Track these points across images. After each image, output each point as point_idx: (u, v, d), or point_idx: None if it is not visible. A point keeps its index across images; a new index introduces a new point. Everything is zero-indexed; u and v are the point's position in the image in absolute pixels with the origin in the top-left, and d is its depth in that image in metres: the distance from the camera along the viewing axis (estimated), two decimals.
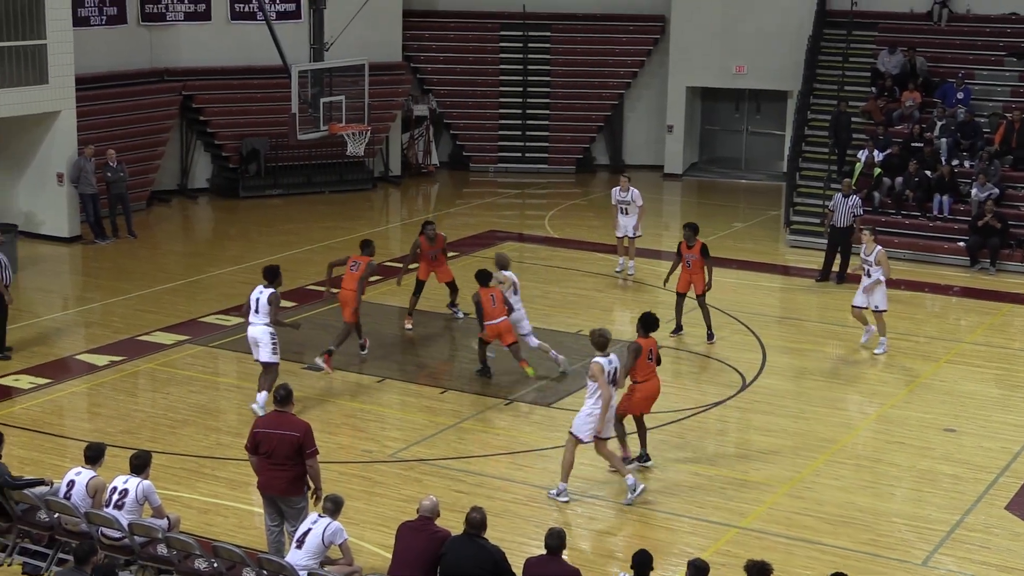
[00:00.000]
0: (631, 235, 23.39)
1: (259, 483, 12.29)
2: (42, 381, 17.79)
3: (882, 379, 18.70)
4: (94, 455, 12.23)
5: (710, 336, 19.94)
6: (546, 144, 34.47)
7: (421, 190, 32.57)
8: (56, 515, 12.25)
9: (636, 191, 23.35)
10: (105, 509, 11.85)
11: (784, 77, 32.17)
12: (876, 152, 26.85)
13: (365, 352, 18.90)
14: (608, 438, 14.44)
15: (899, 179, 26.30)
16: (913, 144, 27.05)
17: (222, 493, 14.31)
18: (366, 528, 13.29)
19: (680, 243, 20.05)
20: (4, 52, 23.91)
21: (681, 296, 20.14)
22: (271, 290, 16.58)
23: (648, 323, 15.07)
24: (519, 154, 34.46)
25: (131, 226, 26.08)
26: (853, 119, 28.47)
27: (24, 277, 23.05)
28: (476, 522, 10.91)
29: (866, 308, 19.60)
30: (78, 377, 18.12)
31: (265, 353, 16.43)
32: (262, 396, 16.36)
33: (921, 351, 20.01)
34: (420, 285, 20.46)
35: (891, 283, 23.49)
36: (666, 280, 20.45)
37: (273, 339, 16.43)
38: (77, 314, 21.51)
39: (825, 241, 23.99)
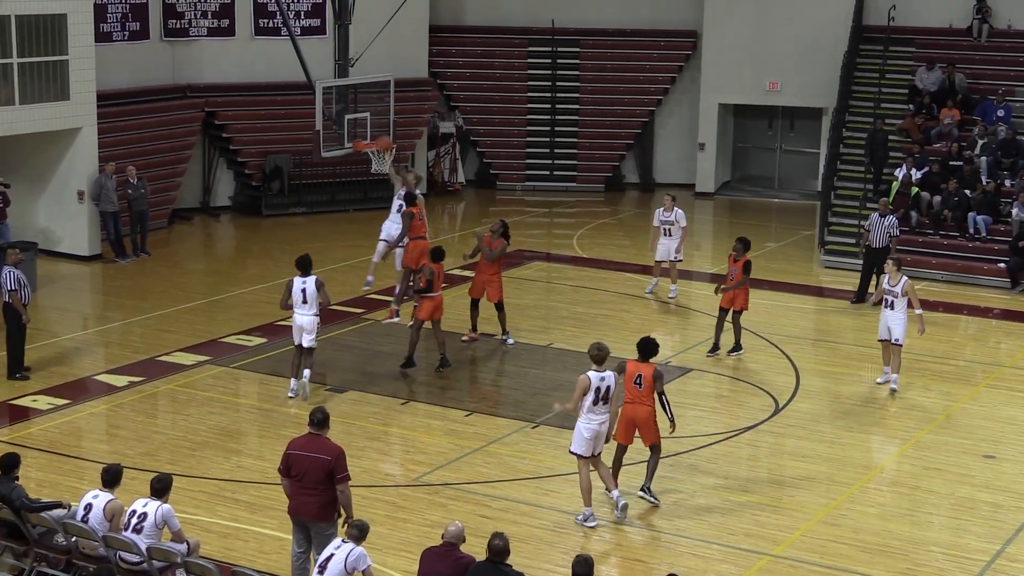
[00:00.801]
0: (672, 259, 23.18)
1: (289, 507, 12.29)
2: (60, 402, 17.86)
3: (919, 404, 18.57)
4: (111, 479, 12.24)
5: (735, 348, 19.99)
6: (575, 162, 34.49)
7: (447, 209, 32.62)
8: (73, 539, 12.26)
9: (680, 211, 23.17)
10: (124, 533, 11.86)
11: (819, 94, 32.11)
12: (913, 170, 26.74)
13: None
14: (586, 456, 14.28)
15: (937, 198, 26.18)
16: (952, 162, 26.94)
17: (243, 517, 14.32)
18: (389, 554, 13.27)
19: (730, 255, 20.09)
20: (25, 68, 24.10)
21: (723, 312, 20.10)
22: (314, 277, 17.95)
23: (644, 348, 14.65)
24: (547, 172, 34.50)
25: (145, 243, 26.19)
26: (890, 137, 28.38)
27: (43, 296, 23.18)
28: (499, 549, 10.87)
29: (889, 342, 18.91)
30: (97, 398, 18.18)
31: (308, 339, 17.82)
32: (300, 378, 17.90)
33: (959, 375, 19.89)
34: (474, 304, 20.64)
35: (928, 305, 23.43)
36: (717, 288, 20.54)
37: (318, 327, 17.98)
38: (96, 334, 21.61)
39: (860, 262, 23.88)
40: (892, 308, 18.79)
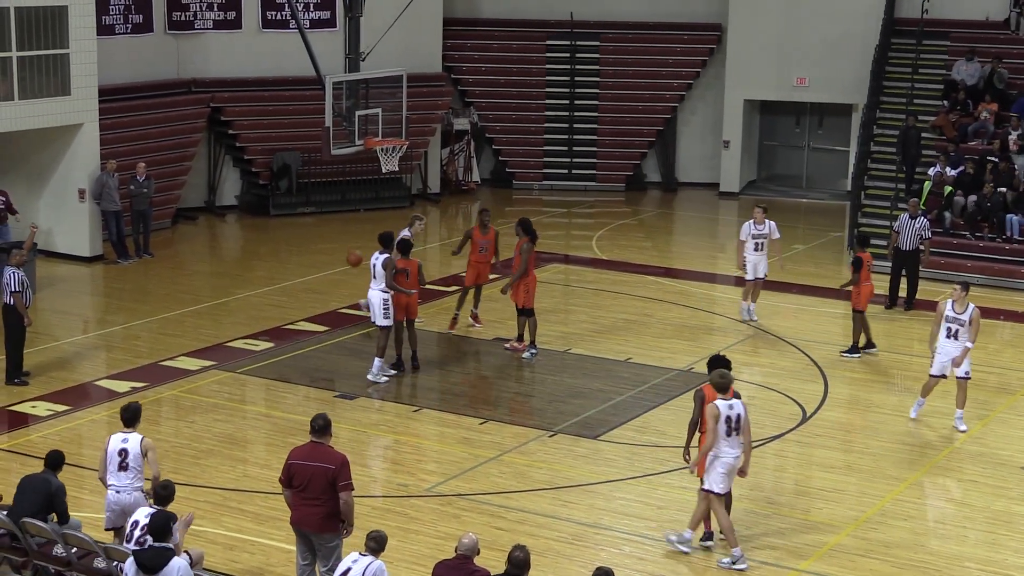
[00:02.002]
0: (763, 276, 22.17)
1: (292, 518, 12.29)
2: (60, 408, 17.91)
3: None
4: (130, 416, 12.98)
5: (861, 348, 20.54)
6: (594, 160, 34.49)
7: (461, 208, 32.64)
8: (73, 549, 12.31)
9: (773, 223, 22.12)
10: (125, 544, 11.90)
11: (848, 89, 32.06)
12: (947, 169, 26.66)
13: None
14: (723, 494, 13.73)
15: (972, 198, 26.10)
16: (988, 161, 26.84)
17: (248, 528, 14.34)
18: (401, 567, 13.27)
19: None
20: (25, 62, 24.18)
21: (858, 313, 20.60)
22: (385, 255, 18.69)
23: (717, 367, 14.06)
24: (565, 171, 34.49)
25: (148, 244, 26.26)
26: (923, 134, 28.30)
27: (43, 298, 23.25)
28: (520, 561, 10.82)
29: (945, 377, 17.67)
30: (98, 404, 18.23)
31: (377, 317, 18.70)
32: (376, 363, 18.78)
33: (996, 383, 19.81)
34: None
35: None
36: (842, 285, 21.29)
37: (385, 304, 18.67)
38: (97, 338, 21.67)
39: (890, 265, 23.81)
40: (956, 338, 17.33)
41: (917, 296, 23.25)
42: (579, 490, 15.59)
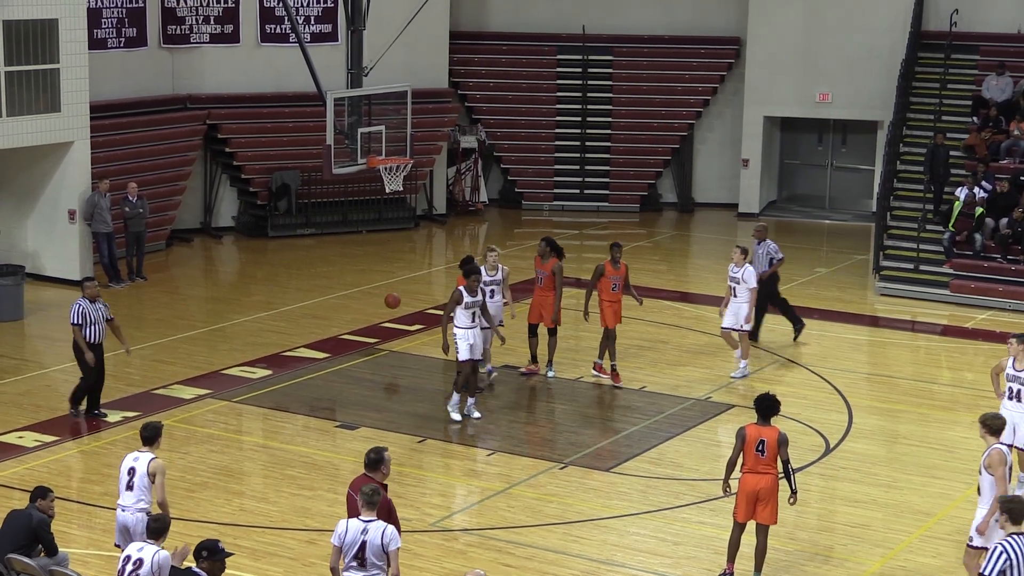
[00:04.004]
0: (736, 327, 20.62)
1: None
2: (48, 439, 17.92)
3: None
4: (150, 435, 13.17)
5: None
6: (607, 180, 34.52)
7: (468, 230, 32.69)
8: None
9: (751, 269, 20.60)
10: None
11: (873, 106, 32.08)
12: (978, 190, 26.65)
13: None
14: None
15: (1004, 220, 26.09)
16: (1021, 181, 26.82)
17: (245, 565, 14.33)
18: None
19: None
20: (13, 77, 24.28)
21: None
22: (458, 287, 18.49)
23: (764, 407, 13.84)
24: (577, 191, 34.53)
25: (141, 267, 26.32)
26: (952, 152, 28.30)
27: (31, 323, 23.30)
28: None
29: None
30: (88, 434, 18.25)
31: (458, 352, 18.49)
32: (454, 398, 18.59)
33: None
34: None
35: (995, 337, 23.35)
36: None
37: (455, 339, 18.35)
38: None
39: (917, 289, 23.64)
40: (1020, 399, 15.89)
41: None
42: (591, 525, 15.57)
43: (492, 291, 19.55)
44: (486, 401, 19.42)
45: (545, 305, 20.40)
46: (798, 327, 22.77)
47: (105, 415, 18.61)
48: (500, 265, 19.88)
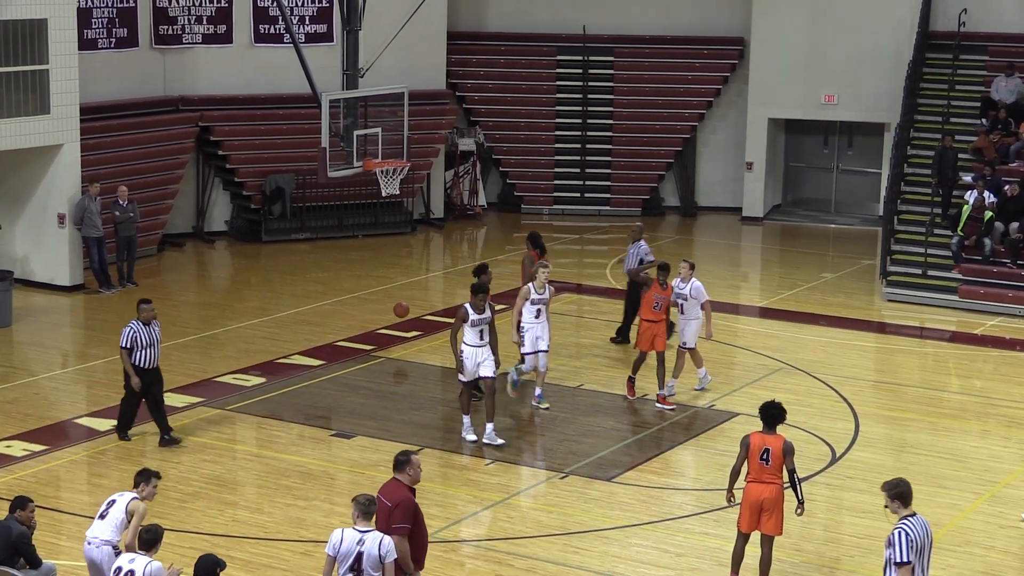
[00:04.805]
0: (683, 344, 20.20)
1: None
2: (37, 448, 17.91)
3: (995, 454, 18.47)
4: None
5: None
6: (608, 183, 34.55)
7: (466, 235, 32.69)
8: None
9: (699, 284, 20.01)
10: None
11: (880, 107, 32.11)
12: (987, 193, 26.67)
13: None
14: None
15: (1014, 224, 26.10)
16: None
17: None
18: None
19: None
20: (2, 78, 24.29)
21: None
22: (463, 304, 18.08)
23: (769, 415, 13.85)
24: (577, 194, 34.56)
25: (132, 272, 26.31)
26: (960, 155, 28.33)
27: (19, 330, 23.30)
28: None
29: None
30: (77, 444, 18.24)
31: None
32: (465, 421, 18.23)
33: None
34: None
35: (1005, 343, 23.37)
36: None
37: (461, 356, 17.93)
38: (77, 372, 21.69)
39: (923, 295, 23.64)
40: None
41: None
42: (592, 536, 15.57)
43: (539, 311, 19.10)
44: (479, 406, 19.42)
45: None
46: (621, 338, 22.80)
47: (179, 440, 17.99)
48: (549, 284, 19.28)
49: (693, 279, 19.94)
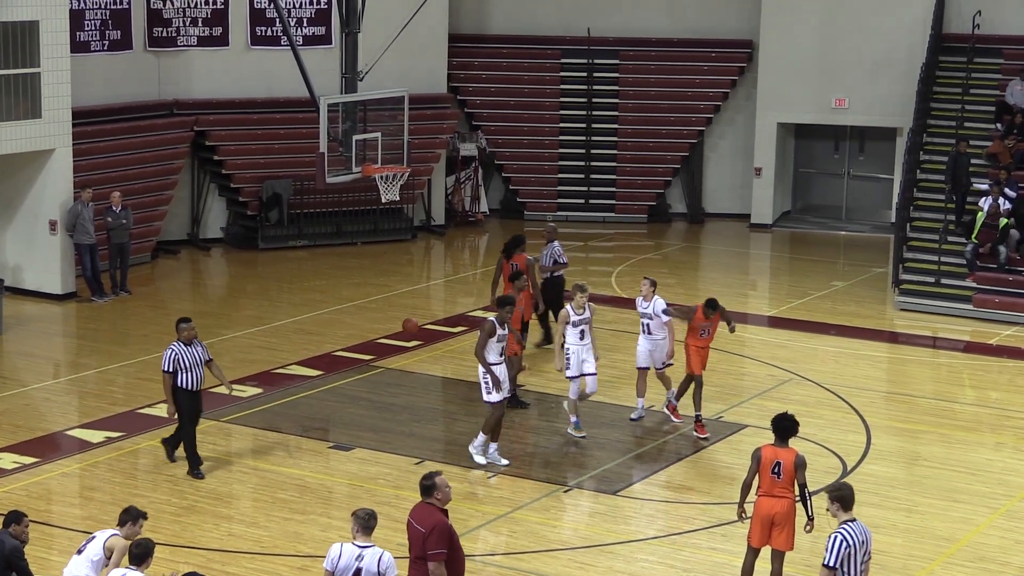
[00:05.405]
0: (657, 366, 19.61)
1: None
2: (28, 460, 17.91)
3: (1010, 467, 18.46)
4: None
5: None
6: (613, 189, 34.56)
7: (468, 242, 32.70)
8: None
9: (661, 302, 19.41)
10: None
11: (892, 112, 32.11)
12: (1002, 200, 26.67)
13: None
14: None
15: None
16: None
17: None
18: None
19: None
20: None
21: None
22: (488, 318, 17.86)
23: (781, 428, 13.81)
24: (582, 200, 34.57)
25: (125, 280, 26.31)
26: (974, 161, 28.33)
27: (9, 340, 23.30)
28: None
29: None
30: (69, 456, 18.23)
31: (482, 392, 17.77)
32: (480, 437, 17.89)
33: None
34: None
35: (1020, 353, 23.35)
36: None
37: (484, 377, 17.63)
38: (69, 383, 21.69)
39: (935, 303, 23.62)
40: None
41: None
42: (597, 551, 15.56)
43: (583, 332, 18.72)
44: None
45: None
46: (543, 342, 22.92)
47: (203, 476, 17.39)
48: (588, 304, 18.97)
49: (656, 297, 19.40)
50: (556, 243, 22.80)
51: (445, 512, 11.95)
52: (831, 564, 11.57)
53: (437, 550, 11.77)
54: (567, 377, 18.82)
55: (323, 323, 24.59)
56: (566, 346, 18.71)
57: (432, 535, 11.76)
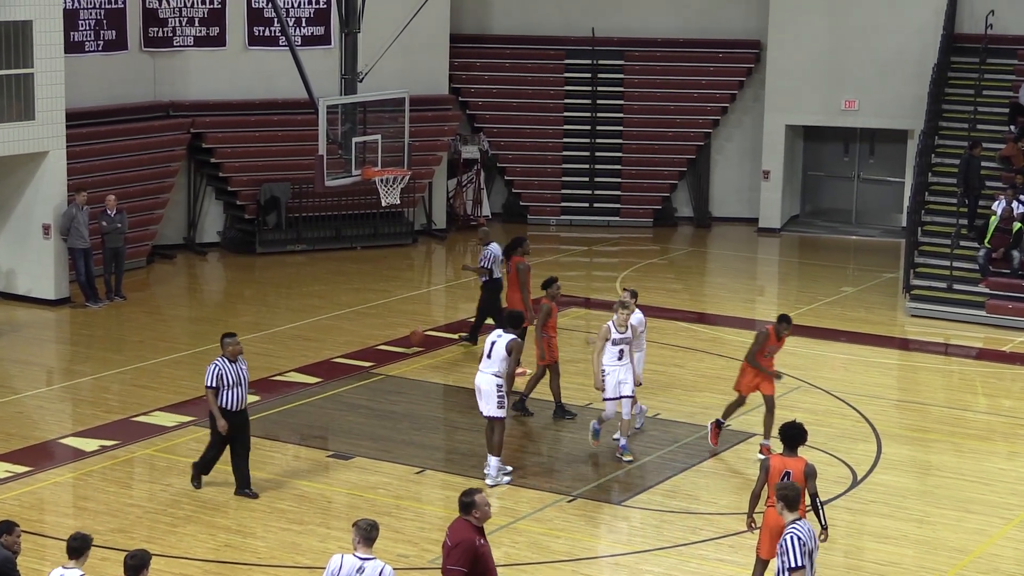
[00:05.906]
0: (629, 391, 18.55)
1: None
2: (20, 469, 17.90)
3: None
4: (78, 545, 12.20)
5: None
6: (618, 193, 34.56)
7: (470, 246, 32.69)
8: None
9: (640, 316, 19.05)
10: None
11: (903, 114, 32.12)
12: (1016, 203, 26.66)
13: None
14: None
15: None
16: None
17: None
18: None
19: None
20: None
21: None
22: (511, 336, 17.33)
23: (789, 436, 13.79)
24: (586, 204, 34.57)
25: (120, 285, 26.31)
26: (987, 164, 28.32)
27: (2, 346, 23.31)
28: None
29: None
30: (63, 465, 18.22)
31: (490, 406, 17.29)
32: (493, 461, 17.43)
33: None
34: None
35: None
36: None
37: (500, 391, 17.22)
38: (63, 390, 21.69)
39: (946, 309, 23.63)
40: None
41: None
42: (601, 562, 15.55)
43: (622, 351, 18.10)
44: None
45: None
46: (470, 339, 23.08)
47: (256, 495, 17.05)
48: (635, 318, 18.47)
49: (636, 310, 18.87)
50: (493, 244, 22.70)
51: (480, 531, 12.01)
52: (799, 564, 11.76)
53: (456, 566, 11.87)
54: (603, 399, 18.31)
55: (322, 329, 24.58)
56: (604, 367, 18.05)
57: (456, 550, 11.89)
